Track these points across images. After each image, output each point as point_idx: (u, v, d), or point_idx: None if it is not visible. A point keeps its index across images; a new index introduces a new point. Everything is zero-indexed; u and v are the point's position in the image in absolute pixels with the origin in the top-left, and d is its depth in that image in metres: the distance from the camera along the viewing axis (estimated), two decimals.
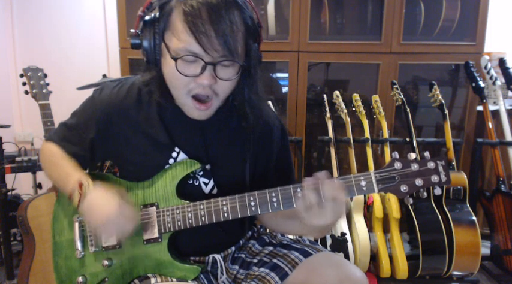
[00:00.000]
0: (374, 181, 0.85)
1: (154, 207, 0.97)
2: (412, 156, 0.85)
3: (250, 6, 0.86)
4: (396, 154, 0.87)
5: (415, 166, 0.84)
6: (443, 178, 0.84)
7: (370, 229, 2.12)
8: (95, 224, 0.89)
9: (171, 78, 0.88)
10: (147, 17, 0.84)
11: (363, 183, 0.85)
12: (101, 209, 0.88)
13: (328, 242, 2.08)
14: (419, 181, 0.84)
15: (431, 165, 0.84)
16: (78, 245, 0.99)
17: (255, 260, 1.05)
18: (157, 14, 0.83)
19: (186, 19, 0.80)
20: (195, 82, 0.86)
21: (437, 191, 0.85)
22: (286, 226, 1.03)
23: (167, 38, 0.84)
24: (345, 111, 2.28)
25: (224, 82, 0.87)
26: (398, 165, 0.85)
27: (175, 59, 0.83)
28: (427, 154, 0.86)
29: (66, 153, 1.02)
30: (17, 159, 1.96)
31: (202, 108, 0.90)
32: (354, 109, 2.32)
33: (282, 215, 1.03)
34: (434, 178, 0.84)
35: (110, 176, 1.03)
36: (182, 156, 0.99)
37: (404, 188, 0.84)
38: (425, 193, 0.85)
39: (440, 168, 0.84)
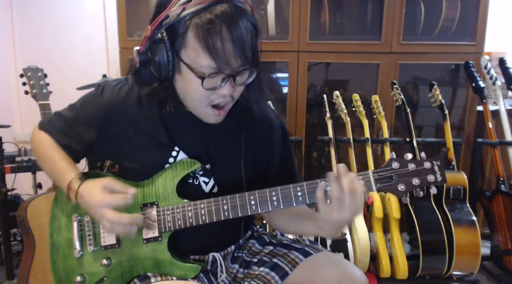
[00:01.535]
0: (372, 180, 0.86)
1: (155, 206, 0.97)
2: (409, 156, 0.88)
3: (249, 8, 0.86)
4: (393, 154, 0.90)
5: (412, 166, 0.87)
6: (439, 178, 0.86)
7: (370, 229, 2.12)
8: (93, 213, 0.93)
9: (190, 92, 0.87)
10: (159, 36, 0.82)
11: (361, 182, 0.86)
12: (92, 197, 0.92)
13: (328, 242, 2.08)
14: (416, 181, 0.86)
15: (427, 165, 0.87)
16: (77, 245, 0.99)
17: (255, 260, 1.05)
18: (172, 32, 0.81)
19: (204, 38, 0.78)
20: (216, 93, 0.86)
21: (433, 190, 0.88)
22: (299, 226, 1.04)
23: (184, 55, 0.83)
24: (345, 111, 2.28)
25: (240, 86, 0.89)
26: (395, 165, 0.87)
27: (202, 78, 0.82)
28: (423, 154, 0.89)
29: (60, 146, 1.03)
30: (17, 159, 1.96)
31: (222, 113, 0.92)
32: (354, 109, 2.32)
33: (295, 215, 1.04)
34: (430, 177, 0.86)
35: (109, 176, 1.03)
36: (182, 155, 0.99)
37: (401, 187, 0.86)
38: (421, 193, 0.88)
39: (436, 168, 0.86)
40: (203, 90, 0.84)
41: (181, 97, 0.92)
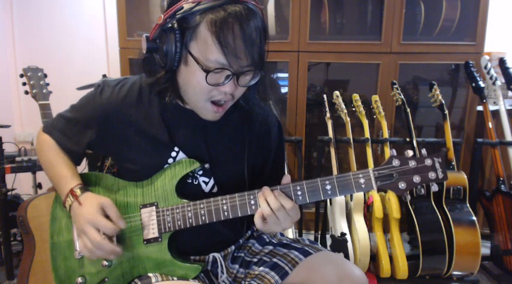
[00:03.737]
0: (373, 178, 0.86)
1: (154, 207, 0.97)
2: (410, 153, 0.87)
3: (260, 12, 0.87)
4: (394, 152, 0.88)
5: (412, 164, 0.86)
6: (440, 175, 0.85)
7: (370, 229, 2.12)
8: (78, 225, 0.94)
9: (193, 85, 0.88)
10: (170, 25, 0.83)
11: (362, 180, 0.86)
12: (86, 210, 0.93)
13: (328, 242, 2.08)
14: (416, 178, 0.85)
15: (428, 162, 0.85)
16: (77, 246, 0.99)
17: (255, 260, 1.05)
18: (184, 24, 0.83)
19: (216, 32, 0.80)
20: (218, 89, 0.87)
21: (435, 187, 0.87)
22: None
23: (193, 48, 0.84)
24: (345, 111, 2.28)
25: (242, 87, 0.89)
26: (396, 163, 0.86)
27: (207, 72, 0.83)
28: (424, 151, 0.87)
29: (61, 148, 1.03)
30: (17, 159, 1.96)
31: (220, 111, 0.92)
32: (354, 109, 2.32)
33: None
34: (431, 175, 0.85)
35: (108, 177, 1.03)
36: (181, 155, 0.99)
37: (402, 185, 0.85)
38: (422, 190, 0.87)
39: (437, 165, 0.85)
40: (206, 85, 0.85)
41: (183, 90, 0.92)
